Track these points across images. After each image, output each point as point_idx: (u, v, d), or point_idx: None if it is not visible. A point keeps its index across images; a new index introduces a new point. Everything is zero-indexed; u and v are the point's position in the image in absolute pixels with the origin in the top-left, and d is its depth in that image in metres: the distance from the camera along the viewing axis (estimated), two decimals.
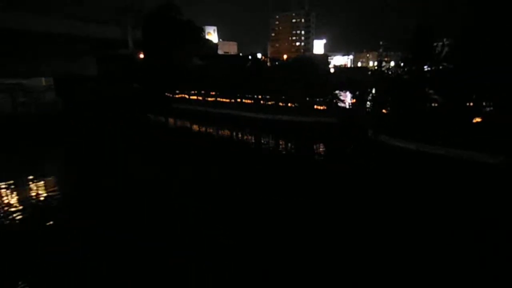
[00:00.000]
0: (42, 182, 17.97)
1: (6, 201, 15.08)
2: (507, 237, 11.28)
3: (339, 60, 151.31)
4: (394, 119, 23.51)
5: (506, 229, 11.90)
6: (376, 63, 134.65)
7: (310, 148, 25.71)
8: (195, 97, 45.26)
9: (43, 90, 39.83)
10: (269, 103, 35.76)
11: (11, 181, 17.78)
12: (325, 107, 32.03)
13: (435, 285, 9.08)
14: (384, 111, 25.52)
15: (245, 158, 23.29)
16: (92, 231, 12.08)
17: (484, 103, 20.64)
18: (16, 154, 24.26)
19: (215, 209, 14.06)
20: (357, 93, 31.75)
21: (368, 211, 13.54)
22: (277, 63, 71.83)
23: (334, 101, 32.38)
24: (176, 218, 13.22)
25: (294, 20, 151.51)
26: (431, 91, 22.99)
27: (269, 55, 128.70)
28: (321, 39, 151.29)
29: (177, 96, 48.24)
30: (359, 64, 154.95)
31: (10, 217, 13.34)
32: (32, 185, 17.42)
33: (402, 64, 26.85)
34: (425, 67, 24.17)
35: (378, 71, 40.26)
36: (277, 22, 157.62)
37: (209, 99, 42.75)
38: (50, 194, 16.17)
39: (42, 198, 15.54)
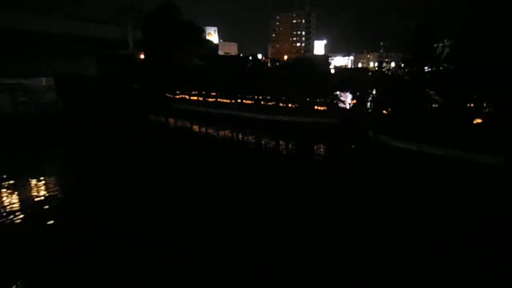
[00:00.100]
0: (42, 182, 17.98)
1: (6, 201, 15.06)
2: (507, 238, 11.26)
3: (339, 61, 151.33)
4: (394, 120, 23.50)
5: (506, 229, 11.88)
6: (376, 64, 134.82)
7: (311, 149, 25.70)
8: (195, 98, 45.24)
9: (43, 90, 39.81)
10: (270, 103, 35.75)
11: (11, 181, 17.79)
12: (325, 108, 32.02)
13: (434, 285, 9.06)
14: (384, 111, 25.51)
15: (245, 159, 23.28)
16: (92, 231, 12.06)
17: (484, 104, 20.61)
18: (17, 154, 24.27)
19: (215, 209, 14.04)
20: (358, 93, 31.77)
21: (368, 211, 13.52)
22: (277, 63, 71.81)
23: (335, 101, 32.38)
24: (176, 218, 13.21)
25: (294, 21, 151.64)
26: (431, 92, 22.97)
27: (269, 56, 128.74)
28: (322, 39, 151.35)
29: (177, 96, 48.23)
30: (360, 65, 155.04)
31: (10, 217, 13.33)
32: (32, 185, 17.44)
33: (402, 65, 26.83)
34: (426, 68, 24.16)
35: (378, 72, 40.30)
36: (277, 23, 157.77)
37: (210, 99, 42.74)
38: (50, 194, 16.16)
39: (42, 198, 15.51)
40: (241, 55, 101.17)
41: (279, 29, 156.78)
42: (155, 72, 50.83)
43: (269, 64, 66.55)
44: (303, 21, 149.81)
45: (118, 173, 19.49)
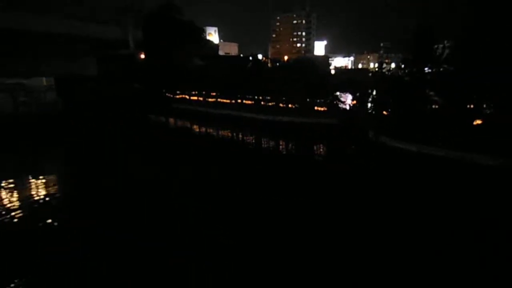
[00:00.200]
0: (42, 182, 17.98)
1: (5, 201, 15.06)
2: (507, 238, 11.26)
3: (339, 62, 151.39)
4: (394, 121, 23.49)
5: (506, 230, 11.88)
6: (376, 65, 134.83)
7: (311, 149, 25.71)
8: (195, 98, 45.22)
9: (43, 90, 39.81)
10: (270, 104, 35.73)
11: (11, 181, 17.78)
12: (325, 108, 32.01)
13: (434, 285, 9.06)
14: (384, 112, 25.50)
15: (245, 159, 23.29)
16: (92, 231, 12.05)
17: (484, 105, 20.61)
18: (17, 153, 24.28)
19: (215, 209, 14.04)
20: (358, 94, 31.74)
21: (367, 212, 13.52)
22: (277, 64, 71.77)
23: (335, 102, 32.36)
24: (176, 218, 13.20)
25: (295, 21, 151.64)
26: (431, 93, 22.96)
27: (269, 56, 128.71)
28: (322, 40, 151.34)
29: (177, 96, 48.20)
30: (360, 66, 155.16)
31: (10, 216, 13.31)
32: (32, 185, 17.43)
33: (402, 65, 26.82)
34: (426, 68, 24.15)
35: (378, 73, 40.25)
36: (278, 23, 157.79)
37: (210, 99, 42.72)
38: (50, 194, 16.15)
39: (42, 198, 15.49)
40: (242, 55, 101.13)
41: (280, 29, 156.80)
42: (155, 72, 50.83)
43: (269, 65, 66.51)
44: (304, 21, 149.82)
45: (118, 173, 19.49)
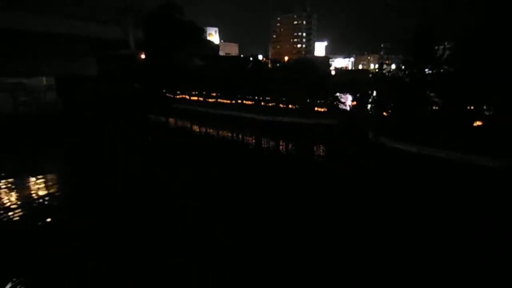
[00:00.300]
0: (42, 182, 17.94)
1: (5, 200, 15.05)
2: (507, 239, 11.26)
3: (340, 63, 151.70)
4: (394, 122, 23.51)
5: (506, 231, 11.88)
6: (377, 66, 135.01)
7: (311, 149, 25.72)
8: (195, 98, 45.25)
9: (44, 90, 39.78)
10: (270, 104, 35.76)
11: (11, 180, 17.78)
12: (325, 109, 32.04)
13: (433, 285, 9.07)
14: (384, 113, 25.53)
15: (245, 159, 23.29)
16: (92, 231, 12.05)
17: (484, 106, 20.62)
18: (17, 153, 24.25)
19: (215, 209, 14.03)
20: (358, 95, 31.77)
21: (367, 213, 13.51)
22: (278, 64, 71.83)
23: (335, 103, 32.39)
24: (176, 218, 13.19)
25: (295, 22, 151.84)
26: (432, 94, 22.98)
27: (270, 57, 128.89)
28: (322, 41, 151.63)
29: (177, 96, 48.25)
30: (360, 67, 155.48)
31: (9, 216, 13.30)
32: (32, 185, 17.39)
33: (403, 67, 26.86)
34: (426, 69, 24.18)
35: (379, 74, 40.32)
36: (278, 24, 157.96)
37: (210, 100, 42.76)
38: (50, 193, 16.13)
39: (42, 198, 15.46)
40: (242, 55, 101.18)
41: (280, 30, 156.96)
42: (155, 72, 50.87)
43: (269, 65, 66.58)
44: (304, 22, 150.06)
45: (118, 173, 19.47)
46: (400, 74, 26.84)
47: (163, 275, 9.38)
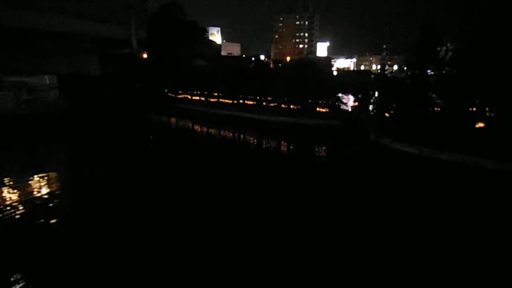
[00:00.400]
0: (44, 181, 17.97)
1: (5, 200, 15.10)
2: (508, 240, 11.26)
3: (342, 63, 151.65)
4: (396, 123, 23.48)
5: (508, 231, 11.88)
6: (379, 67, 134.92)
7: (312, 150, 25.72)
8: (197, 98, 45.31)
9: (46, 88, 39.91)
10: (272, 104, 35.78)
11: (13, 179, 17.83)
12: (327, 110, 32.03)
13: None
14: (386, 114, 25.49)
15: (246, 159, 23.31)
16: (92, 230, 12.08)
17: (487, 108, 20.57)
18: (19, 152, 24.31)
19: (215, 209, 14.04)
20: (360, 96, 31.72)
21: (367, 213, 13.50)
22: (280, 65, 71.94)
23: (337, 103, 32.37)
24: (176, 218, 13.22)
25: (298, 22, 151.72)
26: (434, 95, 22.94)
27: (272, 57, 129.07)
28: (325, 41, 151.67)
29: (179, 96, 48.33)
30: (362, 67, 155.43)
31: (9, 216, 13.31)
32: (33, 184, 17.40)
33: (405, 68, 26.80)
34: (429, 71, 24.12)
35: (381, 75, 40.27)
36: (280, 24, 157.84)
37: (212, 99, 42.80)
38: (51, 192, 16.14)
39: (42, 197, 15.49)
40: (244, 55, 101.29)
41: (282, 30, 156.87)
42: (157, 71, 50.97)
43: (271, 65, 66.67)
44: (306, 22, 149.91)
45: (118, 172, 19.47)
46: (402, 75, 26.76)
47: (163, 275, 9.39)
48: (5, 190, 16.22)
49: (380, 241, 11.33)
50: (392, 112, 25.08)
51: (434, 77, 23.56)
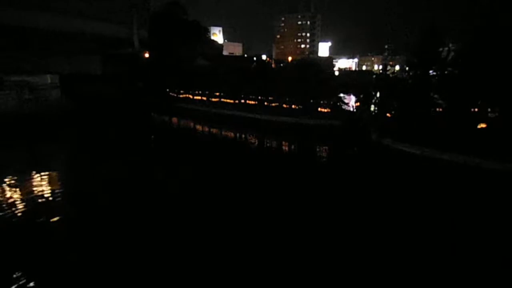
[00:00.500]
0: (45, 180, 18.01)
1: (5, 199, 15.15)
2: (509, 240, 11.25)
3: (344, 63, 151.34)
4: (398, 123, 23.44)
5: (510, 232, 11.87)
6: (381, 67, 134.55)
7: (313, 150, 25.72)
8: (199, 97, 45.32)
9: (48, 88, 39.95)
10: (273, 104, 35.78)
11: (13, 179, 17.86)
12: (329, 110, 32.01)
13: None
14: (388, 115, 25.46)
15: (247, 159, 23.33)
16: (91, 230, 12.12)
17: (489, 109, 20.52)
18: (21, 151, 24.36)
19: (215, 209, 14.06)
20: (361, 96, 31.69)
21: (368, 214, 13.50)
22: (281, 64, 71.89)
23: (338, 103, 32.35)
24: (175, 218, 13.24)
25: (299, 22, 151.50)
26: (436, 96, 22.89)
27: (274, 57, 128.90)
28: (326, 41, 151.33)
29: (181, 96, 48.34)
30: (364, 68, 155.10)
31: (8, 215, 13.34)
32: (34, 183, 17.43)
33: (407, 68, 26.77)
34: (431, 71, 24.08)
35: (383, 75, 40.21)
36: (282, 24, 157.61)
37: (213, 99, 42.81)
38: (53, 191, 16.17)
39: (42, 197, 15.52)
40: (246, 55, 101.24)
41: (284, 30, 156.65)
42: (159, 71, 50.99)
43: (273, 65, 66.62)
44: (308, 22, 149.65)
45: (118, 172, 19.50)
46: (404, 75, 26.72)
47: (163, 275, 9.41)
48: (7, 189, 16.27)
49: (381, 241, 11.34)
50: (393, 112, 25.05)
51: (436, 78, 23.52)
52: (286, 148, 27.60)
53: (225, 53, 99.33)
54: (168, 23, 52.57)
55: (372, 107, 28.96)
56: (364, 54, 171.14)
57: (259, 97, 37.23)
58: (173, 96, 49.28)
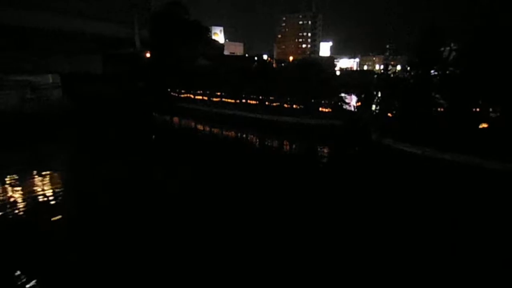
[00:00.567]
0: (47, 181, 18.03)
1: (5, 198, 15.18)
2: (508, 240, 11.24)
3: (345, 63, 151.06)
4: (399, 123, 23.42)
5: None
6: (382, 67, 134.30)
7: (314, 150, 25.70)
8: (200, 97, 45.31)
9: (50, 87, 40.01)
10: (274, 104, 35.76)
11: (15, 178, 17.90)
12: (330, 110, 31.98)
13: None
14: (389, 114, 25.43)
15: (248, 159, 23.33)
16: (92, 230, 12.13)
17: (490, 109, 20.48)
18: (23, 151, 24.39)
19: (215, 209, 14.07)
20: (363, 96, 31.66)
21: (370, 213, 13.49)
22: (283, 64, 71.84)
23: (340, 103, 32.31)
24: (175, 218, 13.25)
25: (301, 22, 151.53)
26: (437, 96, 22.86)
27: (275, 56, 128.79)
28: (328, 41, 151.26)
29: (182, 95, 48.34)
30: (365, 67, 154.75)
31: (8, 214, 13.37)
32: (35, 183, 17.46)
33: (408, 68, 26.74)
34: (432, 71, 24.04)
35: (384, 75, 40.17)
36: (283, 24, 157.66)
37: (214, 99, 42.80)
38: (53, 191, 16.19)
39: (45, 196, 15.55)
40: (247, 55, 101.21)
41: (285, 30, 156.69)
42: (160, 71, 50.97)
43: (274, 65, 66.60)
44: (310, 22, 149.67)
45: (118, 172, 19.52)
46: (405, 75, 26.69)
47: (163, 275, 9.42)
48: (8, 188, 16.31)
49: (382, 241, 11.33)
50: (395, 112, 25.02)
51: (438, 77, 23.48)
52: (287, 148, 27.59)
53: (226, 52, 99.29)
54: (169, 23, 52.45)
55: (373, 107, 28.94)
56: (365, 54, 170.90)
57: (260, 97, 37.20)
58: (174, 96, 49.26)
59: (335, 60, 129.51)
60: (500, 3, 21.05)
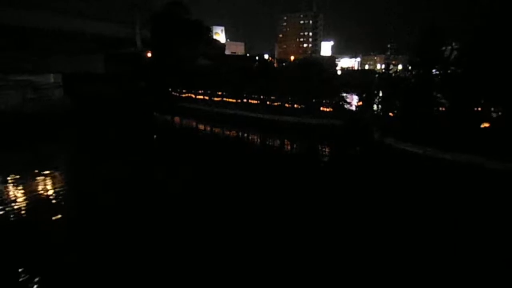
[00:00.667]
0: (48, 180, 18.05)
1: (5, 198, 15.19)
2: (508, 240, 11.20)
3: (346, 63, 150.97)
4: (401, 123, 23.35)
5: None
6: (383, 66, 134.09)
7: (315, 150, 25.67)
8: (201, 97, 45.30)
9: (51, 87, 40.06)
10: (275, 104, 35.72)
11: (16, 178, 17.92)
12: (331, 109, 31.93)
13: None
14: (391, 114, 25.37)
15: (249, 158, 23.31)
16: (92, 230, 12.12)
17: (492, 108, 20.40)
18: (24, 151, 24.42)
19: (215, 209, 14.05)
20: (364, 95, 31.59)
21: (371, 213, 13.45)
22: (284, 64, 71.82)
23: (341, 103, 32.26)
24: (175, 218, 13.24)
25: (302, 22, 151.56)
26: (438, 95, 22.79)
27: (276, 56, 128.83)
28: (329, 41, 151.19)
29: (183, 95, 48.34)
30: (367, 67, 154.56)
31: (9, 214, 13.37)
32: (37, 182, 17.48)
33: (409, 67, 26.68)
34: (433, 70, 23.97)
35: (385, 74, 40.09)
36: (284, 23, 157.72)
37: (215, 99, 42.78)
38: (54, 191, 16.21)
39: (46, 196, 15.57)
40: (248, 55, 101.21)
41: (287, 29, 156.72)
42: (161, 70, 50.99)
43: (275, 64, 66.56)
44: (311, 21, 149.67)
45: (119, 172, 19.51)
46: (406, 75, 26.62)
47: (163, 275, 9.40)
48: (9, 188, 16.32)
49: (383, 241, 11.29)
50: (396, 111, 24.95)
51: (439, 77, 23.41)
52: (289, 148, 27.56)
53: (227, 52, 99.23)
54: (170, 23, 52.47)
55: (375, 107, 28.87)
56: (366, 54, 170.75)
57: (261, 97, 37.17)
58: (175, 95, 49.27)
59: (336, 60, 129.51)
60: (500, 3, 20.95)
